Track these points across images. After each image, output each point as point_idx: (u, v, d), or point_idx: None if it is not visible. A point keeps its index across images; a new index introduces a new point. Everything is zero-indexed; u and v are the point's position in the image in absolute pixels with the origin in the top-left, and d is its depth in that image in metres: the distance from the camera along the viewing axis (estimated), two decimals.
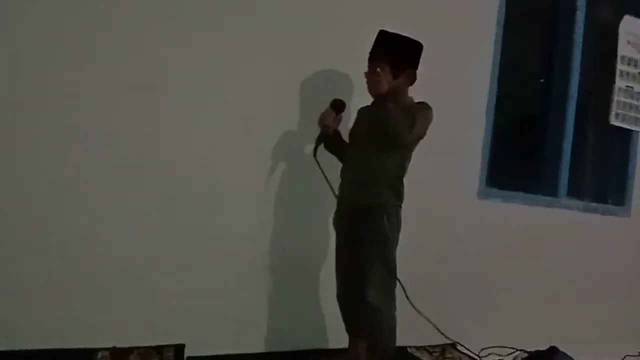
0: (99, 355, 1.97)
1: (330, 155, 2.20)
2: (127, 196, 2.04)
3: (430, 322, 2.27)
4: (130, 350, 2.02)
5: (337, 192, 2.13)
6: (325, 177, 2.09)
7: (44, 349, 1.89)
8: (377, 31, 2.05)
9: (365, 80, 2.05)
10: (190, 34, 2.11)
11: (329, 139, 2.16)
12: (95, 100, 1.97)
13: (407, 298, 2.12)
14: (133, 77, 2.02)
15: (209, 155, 2.17)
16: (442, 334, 2.40)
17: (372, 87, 2.03)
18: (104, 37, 1.97)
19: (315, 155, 2.10)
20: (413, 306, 2.16)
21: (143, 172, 2.07)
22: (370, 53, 2.06)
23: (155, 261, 2.09)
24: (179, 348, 2.10)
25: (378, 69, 1.98)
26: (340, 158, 2.21)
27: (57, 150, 1.93)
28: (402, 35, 2.02)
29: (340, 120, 2.17)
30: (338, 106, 2.13)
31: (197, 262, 2.16)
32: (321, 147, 2.15)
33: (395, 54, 2.02)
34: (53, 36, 1.90)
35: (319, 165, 2.08)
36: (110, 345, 2.00)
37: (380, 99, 2.01)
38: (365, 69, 2.06)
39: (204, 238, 2.17)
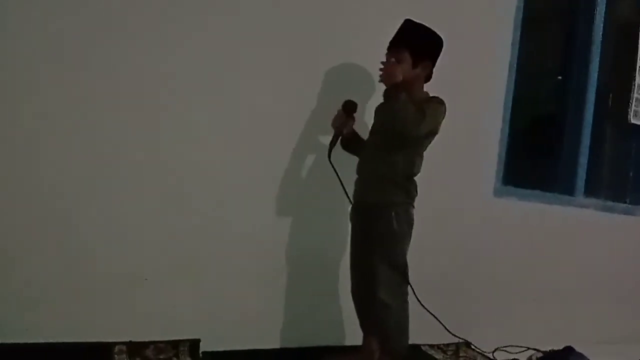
0: (116, 349, 1.99)
1: (347, 156, 2.20)
2: (143, 194, 2.05)
3: (438, 320, 2.26)
4: (146, 344, 2.04)
5: (351, 193, 2.13)
6: (340, 180, 2.09)
7: (62, 342, 1.92)
8: (390, 28, 2.03)
9: (379, 69, 2.02)
10: (190, 33, 2.10)
11: (344, 140, 2.16)
12: (97, 101, 1.97)
13: (416, 296, 2.11)
14: (135, 76, 2.01)
15: (226, 154, 2.17)
16: (450, 332, 2.41)
17: (387, 76, 1.98)
18: (103, 37, 1.96)
19: (329, 158, 2.09)
20: (421, 304, 2.15)
21: (159, 171, 2.08)
22: (391, 42, 2.04)
23: (172, 258, 2.10)
24: (194, 343, 2.10)
25: (393, 59, 1.98)
26: (356, 154, 2.21)
27: (60, 152, 1.94)
28: (426, 27, 2.01)
29: (353, 120, 2.15)
30: (348, 107, 2.12)
31: (213, 259, 2.17)
32: (340, 149, 2.15)
33: (417, 44, 2.01)
34: (50, 36, 1.90)
35: (334, 167, 2.08)
36: (127, 340, 2.02)
37: (393, 88, 1.96)
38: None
39: (220, 235, 2.17)
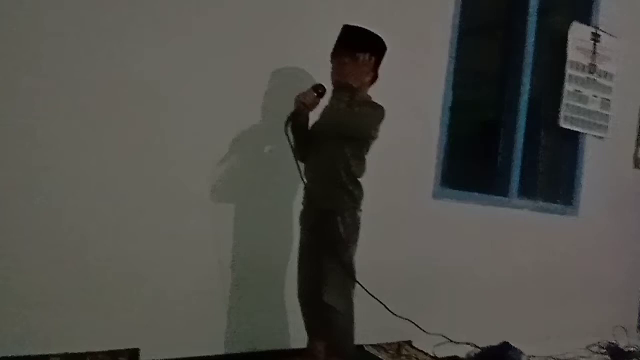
0: None
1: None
2: (78, 195, 2.01)
3: (389, 310, 2.27)
4: (83, 356, 1.99)
5: (305, 180, 2.10)
6: (295, 156, 2.06)
7: None
8: (330, 32, 2.09)
9: (336, 71, 2.06)
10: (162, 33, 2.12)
11: (300, 118, 2.09)
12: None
13: (366, 290, 2.11)
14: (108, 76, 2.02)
15: (169, 157, 2.16)
16: (424, 330, 2.47)
17: (355, 76, 2.03)
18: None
19: (286, 130, 2.03)
20: (375, 298, 2.14)
21: (103, 174, 2.05)
22: (342, 45, 2.07)
23: (109, 264, 2.06)
24: (134, 353, 2.07)
25: (365, 57, 2.03)
26: (298, 145, 2.11)
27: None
28: (373, 32, 2.07)
29: (317, 104, 2.10)
30: (320, 90, 2.08)
31: (153, 264, 2.14)
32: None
33: (368, 48, 2.06)
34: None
35: (289, 141, 2.03)
36: (62, 352, 1.97)
37: (348, 90, 2.03)
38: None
39: (160, 239, 2.15)
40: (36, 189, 1.94)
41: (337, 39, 2.10)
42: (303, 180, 2.09)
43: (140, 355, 2.08)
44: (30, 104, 1.88)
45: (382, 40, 2.10)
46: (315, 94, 2.07)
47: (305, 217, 2.18)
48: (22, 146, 1.90)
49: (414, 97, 2.76)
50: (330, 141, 2.05)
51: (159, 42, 2.13)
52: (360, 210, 2.10)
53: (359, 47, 2.06)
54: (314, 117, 2.12)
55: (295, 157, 2.06)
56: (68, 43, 1.96)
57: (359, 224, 2.09)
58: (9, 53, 1.84)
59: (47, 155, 1.95)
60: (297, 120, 2.08)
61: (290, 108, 2.04)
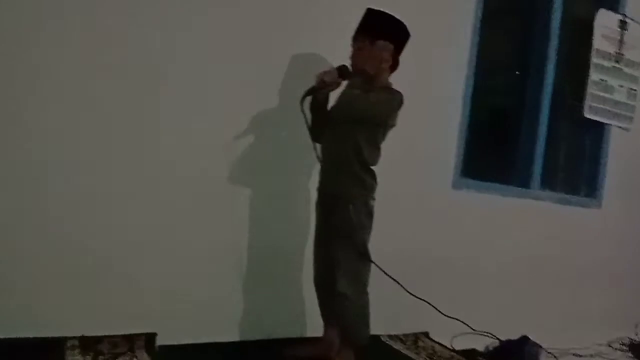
0: (68, 344, 1.94)
1: None
2: (96, 183, 2.01)
3: (405, 289, 2.25)
4: (99, 339, 2.00)
5: (318, 152, 2.09)
6: (309, 129, 2.03)
7: (12, 338, 1.86)
8: (351, 18, 2.05)
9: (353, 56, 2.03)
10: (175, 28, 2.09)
11: (319, 96, 2.04)
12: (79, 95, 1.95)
13: (385, 272, 2.11)
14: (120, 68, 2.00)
15: (186, 146, 2.14)
16: (444, 314, 2.42)
17: (371, 62, 2.00)
18: (88, 31, 1.95)
19: (301, 106, 1.99)
20: (393, 279, 2.13)
21: (117, 156, 2.04)
22: (362, 30, 2.03)
23: (127, 248, 2.06)
24: (150, 337, 2.07)
25: (384, 44, 1.99)
26: (314, 124, 2.08)
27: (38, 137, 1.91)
28: (395, 17, 2.03)
29: (338, 85, 2.05)
30: (343, 72, 2.01)
31: (171, 250, 2.14)
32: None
33: (390, 33, 2.03)
34: (44, 34, 1.88)
35: (304, 115, 2.00)
36: (79, 334, 1.97)
37: (366, 75, 2.00)
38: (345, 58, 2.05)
39: (178, 225, 2.14)
40: (56, 174, 1.94)
41: (359, 22, 2.05)
42: (319, 160, 2.07)
43: (157, 339, 2.08)
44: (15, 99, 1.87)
45: (404, 27, 2.05)
46: (338, 74, 2.00)
47: (319, 203, 2.16)
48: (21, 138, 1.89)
49: (434, 84, 2.71)
50: (343, 126, 2.01)
51: (175, 26, 2.10)
52: (374, 199, 2.07)
53: (378, 33, 2.02)
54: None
55: (310, 136, 2.04)
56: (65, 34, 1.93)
57: (372, 211, 2.06)
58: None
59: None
60: (314, 97, 2.03)
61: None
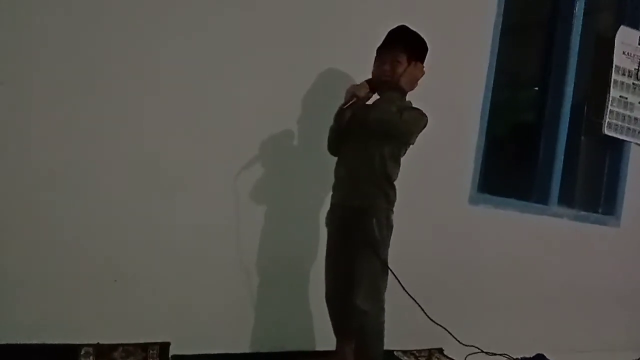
0: (83, 351, 1.95)
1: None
2: (113, 191, 2.02)
3: (425, 312, 2.21)
4: (114, 347, 2.00)
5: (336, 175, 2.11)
6: (330, 142, 2.11)
7: (27, 344, 1.87)
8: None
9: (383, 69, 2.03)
10: (184, 32, 2.10)
11: (346, 112, 2.04)
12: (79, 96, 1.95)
13: (408, 293, 2.08)
14: (126, 72, 2.01)
15: (200, 154, 2.15)
16: (459, 341, 2.41)
17: (407, 80, 2.01)
18: (91, 32, 1.95)
19: (337, 119, 2.06)
20: (412, 297, 2.10)
21: (130, 167, 2.05)
22: (389, 44, 2.04)
23: (141, 259, 2.07)
24: (164, 346, 2.08)
25: (418, 65, 2.03)
26: (336, 138, 2.11)
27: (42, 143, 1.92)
28: (417, 33, 2.05)
29: (368, 99, 2.05)
30: (374, 85, 2.03)
31: (184, 261, 2.14)
32: None
33: (413, 48, 2.04)
34: (41, 34, 1.88)
35: (332, 133, 2.08)
36: (94, 342, 1.98)
37: (391, 89, 2.01)
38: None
39: (191, 237, 2.14)
40: (71, 177, 1.96)
41: (389, 36, 2.06)
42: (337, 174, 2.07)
43: (170, 349, 2.09)
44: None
45: (427, 49, 2.07)
46: (369, 89, 2.02)
47: (333, 216, 2.14)
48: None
49: (452, 98, 2.68)
50: (371, 140, 2.00)
51: (195, 33, 2.12)
52: (393, 212, 2.06)
53: (414, 52, 2.03)
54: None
55: (330, 149, 2.06)
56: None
57: (392, 225, 2.05)
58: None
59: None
60: (343, 111, 2.04)
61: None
